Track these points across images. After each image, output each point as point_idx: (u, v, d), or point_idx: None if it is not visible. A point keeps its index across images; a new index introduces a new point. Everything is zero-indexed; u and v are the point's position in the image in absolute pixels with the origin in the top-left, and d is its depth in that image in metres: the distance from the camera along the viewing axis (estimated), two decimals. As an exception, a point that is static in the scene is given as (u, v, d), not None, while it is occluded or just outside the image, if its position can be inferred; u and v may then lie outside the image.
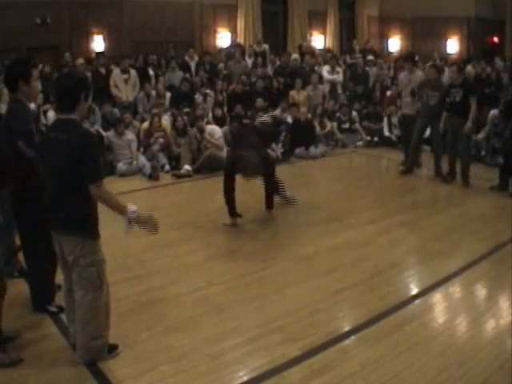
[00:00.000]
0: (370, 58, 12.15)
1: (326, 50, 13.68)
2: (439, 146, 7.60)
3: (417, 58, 8.93)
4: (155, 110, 8.37)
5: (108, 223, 3.42)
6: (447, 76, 11.05)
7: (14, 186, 3.61)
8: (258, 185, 6.19)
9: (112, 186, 6.73)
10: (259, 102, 9.32)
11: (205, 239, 5.26)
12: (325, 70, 11.04)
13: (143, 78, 9.63)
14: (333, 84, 10.89)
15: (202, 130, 7.91)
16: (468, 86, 7.08)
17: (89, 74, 8.59)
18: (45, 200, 3.12)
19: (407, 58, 8.25)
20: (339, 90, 10.92)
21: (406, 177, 7.74)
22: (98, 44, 11.15)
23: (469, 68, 11.19)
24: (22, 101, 3.55)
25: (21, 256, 4.12)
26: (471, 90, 7.03)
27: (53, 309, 3.72)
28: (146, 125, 8.35)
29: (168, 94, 9.53)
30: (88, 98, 3.11)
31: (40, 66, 7.94)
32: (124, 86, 9.24)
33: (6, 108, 3.67)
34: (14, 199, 3.62)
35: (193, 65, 10.84)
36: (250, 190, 6.78)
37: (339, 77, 10.99)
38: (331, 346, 3.40)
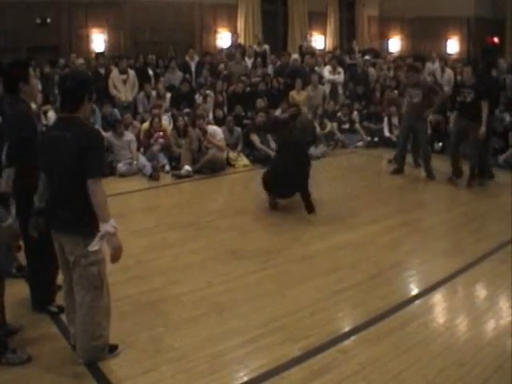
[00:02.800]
0: (368, 57, 12.16)
1: (328, 51, 13.70)
2: (427, 147, 7.60)
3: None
4: (155, 111, 8.37)
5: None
6: (447, 76, 11.11)
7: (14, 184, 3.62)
8: (258, 185, 6.20)
9: (112, 186, 6.75)
10: (259, 102, 9.33)
11: (205, 239, 5.26)
12: (326, 71, 11.05)
13: (143, 78, 9.62)
14: (334, 84, 10.89)
15: (204, 131, 7.91)
16: (481, 89, 6.89)
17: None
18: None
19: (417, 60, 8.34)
20: (340, 91, 10.93)
21: (406, 177, 7.73)
22: (97, 44, 11.15)
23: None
24: (26, 101, 3.57)
25: (20, 256, 4.13)
26: (483, 94, 6.86)
27: (53, 309, 3.72)
28: (146, 125, 8.35)
29: (168, 95, 9.53)
30: (91, 98, 3.11)
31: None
32: (123, 86, 9.23)
33: (11, 108, 3.66)
34: (17, 198, 3.63)
35: (193, 65, 10.84)
36: (250, 190, 6.81)
37: (340, 77, 11.00)
38: (331, 346, 3.40)
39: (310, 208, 5.90)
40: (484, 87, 6.93)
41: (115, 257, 2.96)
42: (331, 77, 10.92)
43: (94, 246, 2.94)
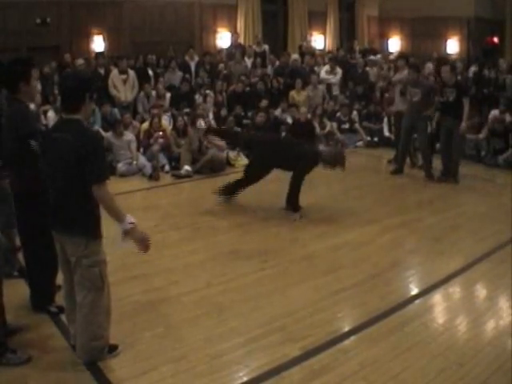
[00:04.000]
0: (372, 57, 12.14)
1: (328, 51, 13.69)
2: (426, 147, 7.58)
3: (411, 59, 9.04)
4: (155, 111, 8.38)
5: (109, 223, 3.40)
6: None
7: (14, 185, 3.62)
8: (258, 185, 6.19)
9: (112, 186, 6.64)
10: (263, 102, 9.33)
11: (205, 239, 5.26)
12: (323, 71, 11.03)
13: (143, 78, 9.62)
14: (328, 85, 10.89)
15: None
16: (461, 87, 7.11)
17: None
18: (46, 200, 3.13)
19: (401, 58, 8.44)
20: (335, 92, 10.91)
21: (406, 177, 7.73)
22: (97, 44, 11.14)
23: (473, 69, 11.20)
24: (23, 101, 3.54)
25: (20, 256, 4.13)
26: (465, 91, 7.06)
27: (53, 309, 3.72)
28: (145, 125, 8.35)
29: (168, 95, 9.53)
30: (93, 97, 3.11)
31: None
32: (122, 86, 9.22)
33: (7, 108, 3.63)
34: (16, 199, 3.63)
35: (193, 65, 10.84)
36: (250, 190, 6.78)
37: (336, 78, 11.00)
38: (331, 346, 3.40)
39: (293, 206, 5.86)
40: (465, 85, 7.09)
41: (144, 248, 3.06)
42: (326, 76, 10.90)
43: (121, 246, 3.03)
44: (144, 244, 3.05)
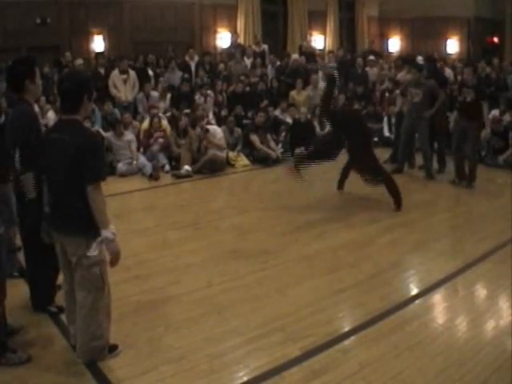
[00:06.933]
0: (372, 58, 12.14)
1: (329, 51, 13.68)
2: (427, 147, 7.56)
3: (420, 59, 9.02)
4: (154, 111, 8.38)
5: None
6: (448, 76, 11.09)
7: (15, 186, 3.63)
8: (258, 185, 6.20)
9: (112, 186, 6.75)
10: (265, 103, 9.32)
11: (205, 239, 5.26)
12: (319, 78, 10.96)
13: (143, 78, 9.62)
14: None
15: (206, 129, 7.92)
16: (480, 89, 7.07)
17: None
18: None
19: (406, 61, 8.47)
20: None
21: (406, 177, 7.72)
22: (97, 44, 11.15)
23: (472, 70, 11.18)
24: (29, 101, 3.54)
25: (20, 256, 4.13)
26: (482, 94, 7.03)
27: (53, 309, 3.72)
28: (145, 125, 8.35)
29: (168, 95, 9.53)
30: (91, 98, 3.10)
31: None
32: (123, 86, 9.23)
33: (14, 109, 3.63)
34: (18, 199, 3.63)
35: (193, 65, 10.84)
36: (249, 190, 6.82)
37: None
38: (331, 346, 3.40)
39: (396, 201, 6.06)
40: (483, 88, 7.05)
41: (114, 261, 3.02)
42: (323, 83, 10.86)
43: (93, 251, 2.97)
44: (116, 258, 3.01)
